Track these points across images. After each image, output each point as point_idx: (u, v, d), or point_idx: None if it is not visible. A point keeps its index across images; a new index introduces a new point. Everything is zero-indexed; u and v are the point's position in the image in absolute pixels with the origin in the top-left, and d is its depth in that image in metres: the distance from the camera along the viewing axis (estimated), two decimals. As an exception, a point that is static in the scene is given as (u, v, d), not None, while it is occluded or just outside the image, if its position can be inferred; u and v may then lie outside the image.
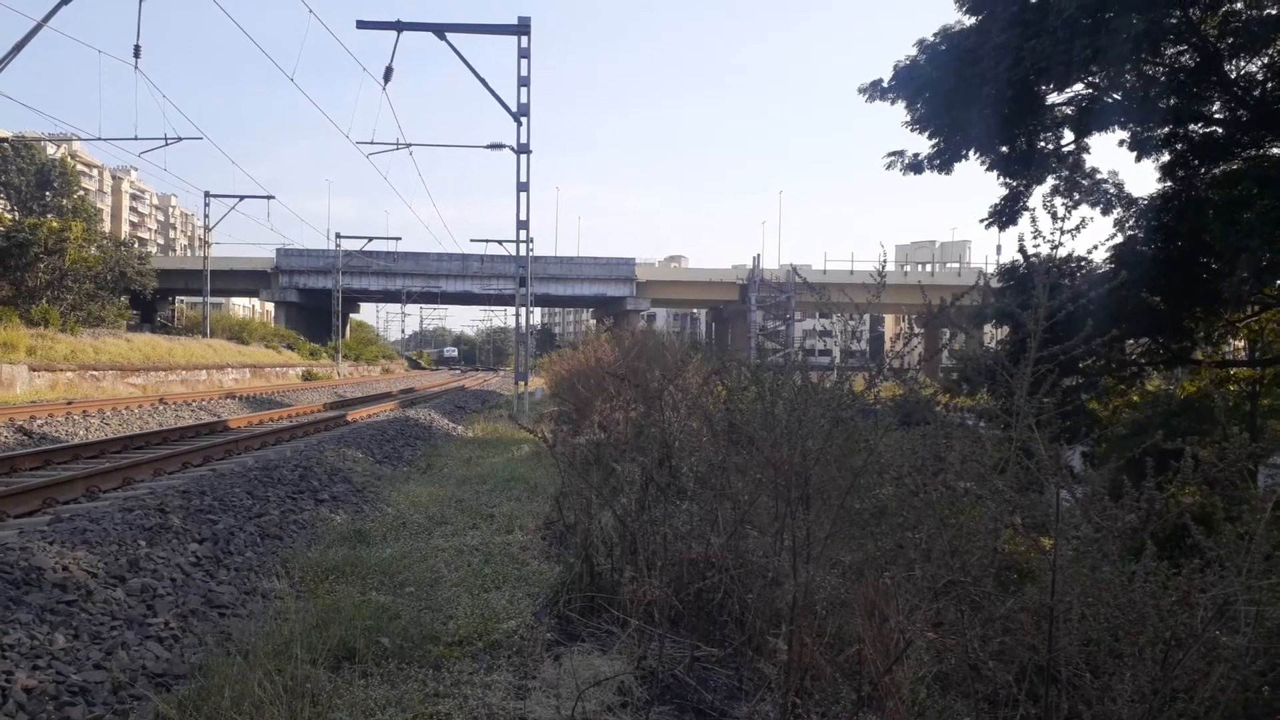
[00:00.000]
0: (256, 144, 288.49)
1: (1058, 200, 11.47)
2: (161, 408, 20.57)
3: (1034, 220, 11.05)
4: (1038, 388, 3.35)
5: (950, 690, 3.50)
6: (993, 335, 13.34)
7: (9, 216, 46.98)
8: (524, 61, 21.78)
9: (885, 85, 13.07)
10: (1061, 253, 10.84)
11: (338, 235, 55.68)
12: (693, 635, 4.72)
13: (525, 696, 4.26)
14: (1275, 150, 11.64)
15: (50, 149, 62.77)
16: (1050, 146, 13.00)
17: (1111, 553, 2.91)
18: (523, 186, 22.67)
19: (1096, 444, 10.64)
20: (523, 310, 25.46)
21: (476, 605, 5.75)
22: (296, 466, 11.06)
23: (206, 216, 49.51)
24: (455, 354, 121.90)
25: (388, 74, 21.65)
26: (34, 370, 23.26)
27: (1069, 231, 10.42)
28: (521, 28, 21.66)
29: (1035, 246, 10.77)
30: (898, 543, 3.71)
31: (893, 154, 13.64)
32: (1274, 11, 10.55)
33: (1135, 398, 13.75)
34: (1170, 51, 11.66)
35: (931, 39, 12.90)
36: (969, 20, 12.62)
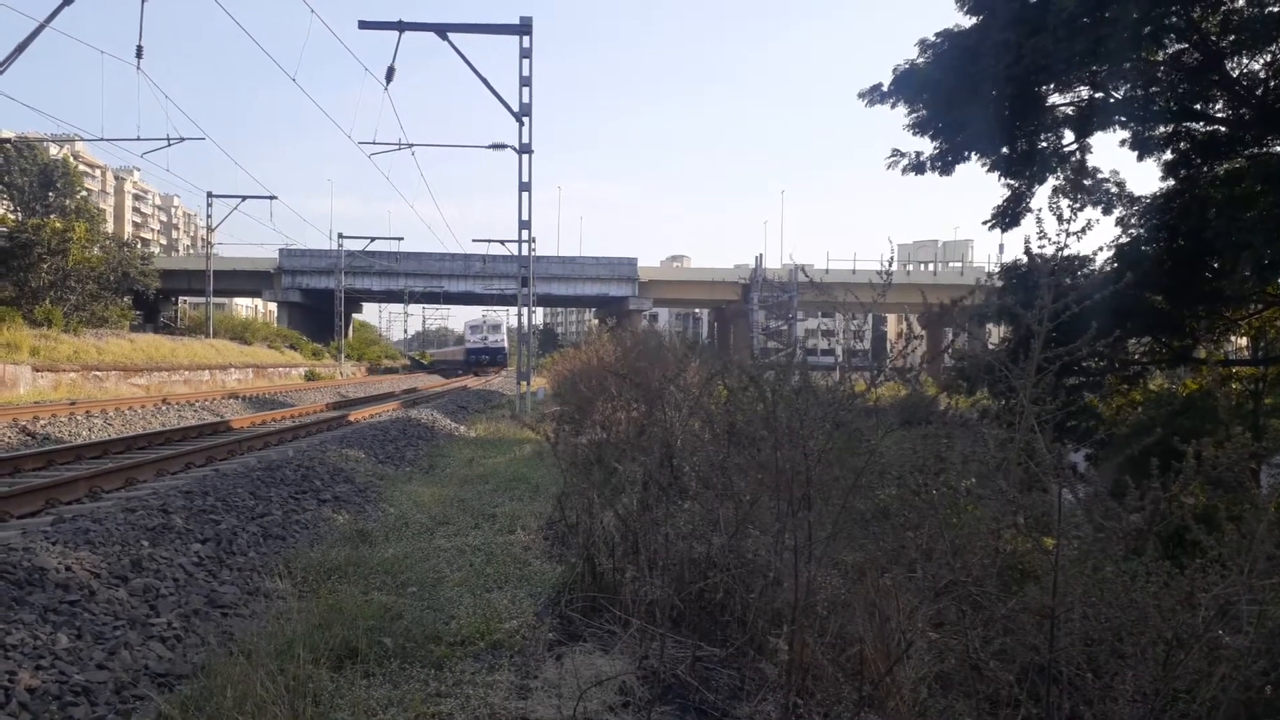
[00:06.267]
0: (259, 144, 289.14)
1: (1064, 202, 11.47)
2: (164, 408, 20.60)
3: (1039, 222, 11.06)
4: (1045, 390, 3.34)
5: (952, 690, 3.50)
6: (993, 332, 13.33)
7: (12, 217, 47.02)
8: (526, 61, 21.79)
9: (885, 89, 13.07)
10: (1055, 247, 10.83)
11: (340, 235, 55.72)
12: (694, 635, 4.71)
13: (527, 696, 4.26)
14: (1278, 148, 11.62)
15: (53, 149, 62.80)
16: (1051, 147, 13.00)
17: (1114, 553, 2.91)
18: (525, 186, 22.68)
19: (1100, 444, 10.64)
20: (525, 310, 25.47)
21: (479, 605, 5.75)
22: (299, 467, 11.07)
23: (209, 217, 49.53)
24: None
25: (390, 74, 21.66)
26: (37, 371, 23.30)
27: (1075, 234, 10.41)
28: (523, 28, 21.67)
29: (1040, 247, 10.77)
30: (899, 543, 3.71)
31: (894, 154, 13.64)
32: (1276, 9, 10.53)
33: (1138, 397, 13.73)
34: (1172, 50, 11.65)
35: (933, 39, 12.89)
36: (969, 21, 12.62)
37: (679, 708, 4.10)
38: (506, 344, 67.08)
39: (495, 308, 67.39)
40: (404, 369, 66.51)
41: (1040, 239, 9.84)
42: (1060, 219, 10.21)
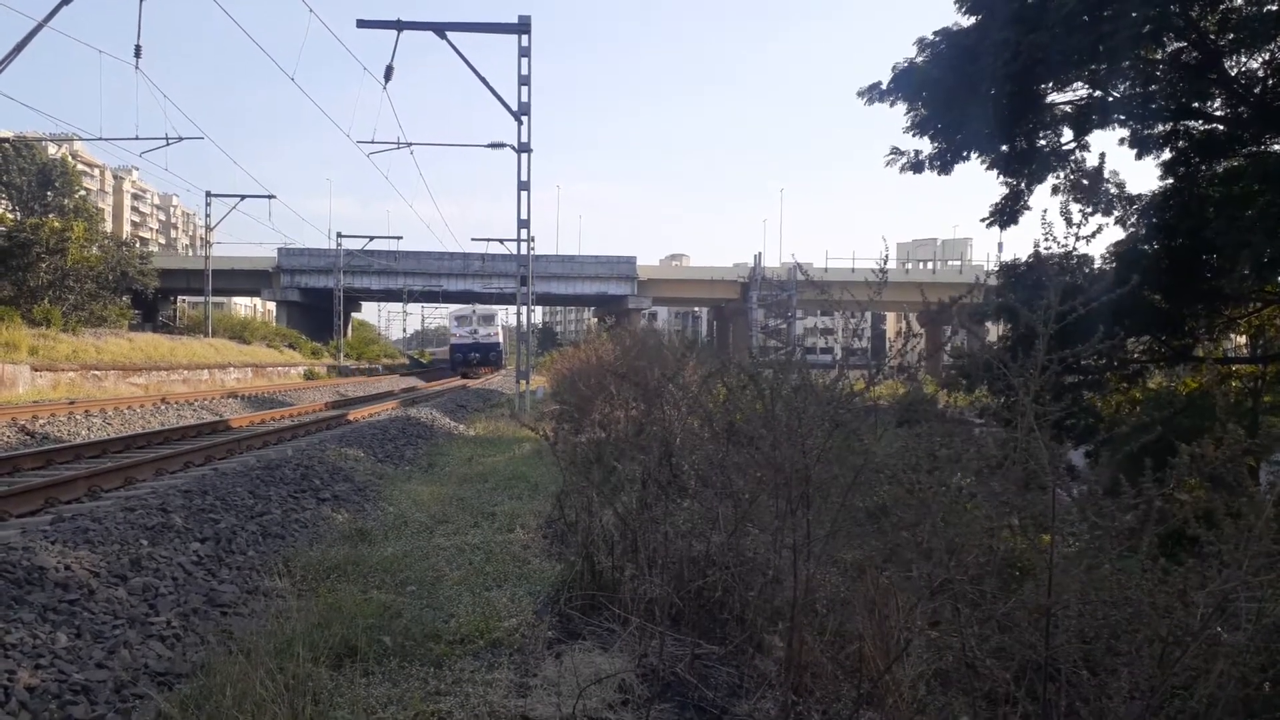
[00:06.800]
0: (257, 144, 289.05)
1: (1074, 207, 11.49)
2: (163, 407, 20.59)
3: (1049, 224, 11.10)
4: (1046, 389, 3.34)
5: (950, 688, 3.51)
6: (991, 330, 13.34)
7: (11, 216, 46.97)
8: (524, 60, 21.78)
9: (884, 88, 13.07)
10: (1062, 251, 10.86)
11: (339, 234, 55.67)
12: (694, 633, 4.72)
13: (526, 694, 4.26)
14: (1276, 147, 11.63)
15: (51, 149, 62.75)
16: (1050, 145, 13.01)
17: (1109, 551, 2.92)
18: (524, 185, 22.68)
19: (1100, 443, 10.64)
20: (524, 309, 25.49)
21: (478, 603, 5.76)
22: (298, 465, 11.07)
23: (208, 216, 49.51)
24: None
25: (388, 73, 21.67)
26: (36, 370, 23.28)
27: (1085, 238, 10.46)
28: (522, 26, 21.66)
29: (1047, 248, 10.80)
30: (896, 541, 3.71)
31: (893, 152, 13.64)
32: (1274, 8, 10.55)
33: (1137, 395, 13.75)
34: (1171, 48, 11.66)
35: (932, 38, 12.89)
36: (968, 20, 12.62)
37: (678, 705, 4.10)
38: (501, 339, 56.27)
39: (494, 307, 61.05)
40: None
41: (1047, 239, 9.80)
42: (1070, 222, 10.17)
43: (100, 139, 32.28)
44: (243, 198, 46.83)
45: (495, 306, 55.54)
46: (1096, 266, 11.84)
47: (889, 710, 3.66)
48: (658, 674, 4.32)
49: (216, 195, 47.78)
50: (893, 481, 3.74)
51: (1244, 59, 11.61)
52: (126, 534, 6.84)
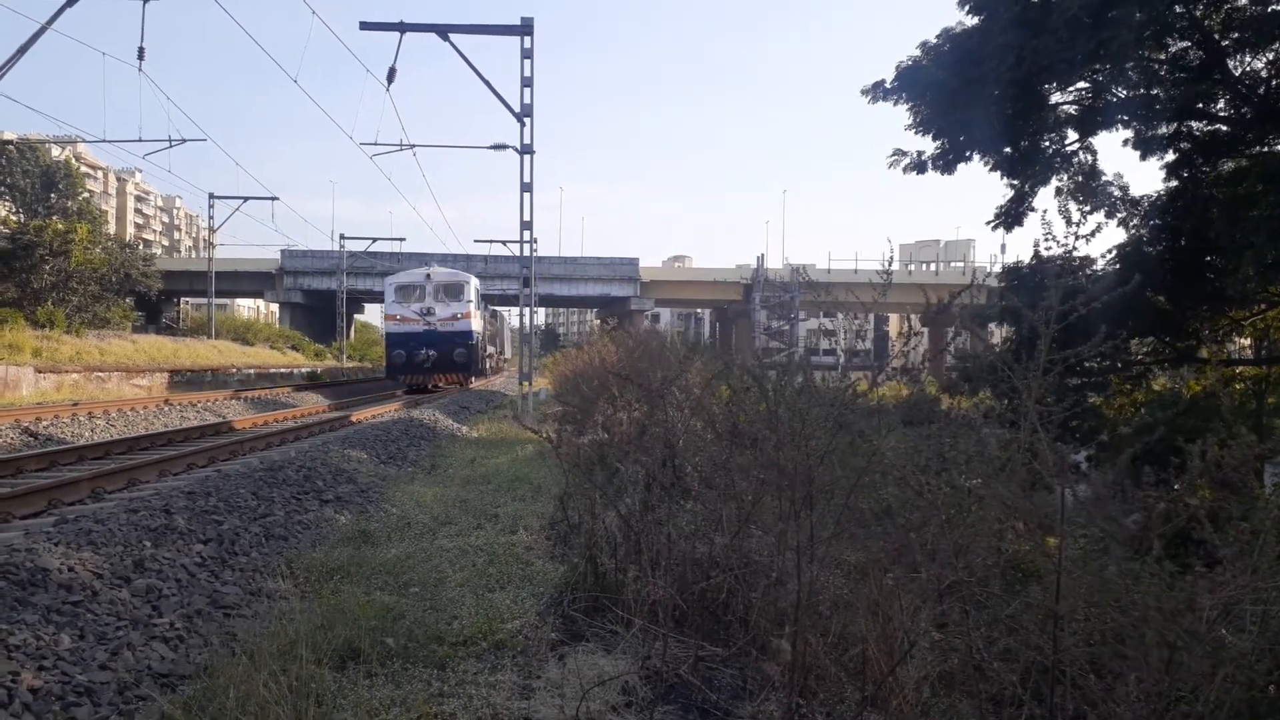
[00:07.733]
0: (260, 146, 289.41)
1: (1073, 206, 11.49)
2: (167, 409, 20.61)
3: (1049, 224, 11.12)
4: (1048, 390, 3.32)
5: (955, 690, 3.50)
6: (994, 333, 13.33)
7: (14, 219, 47.15)
8: (527, 62, 21.80)
9: (888, 86, 13.08)
10: (1062, 251, 10.86)
11: (342, 236, 55.79)
12: (697, 635, 4.71)
13: (530, 696, 4.26)
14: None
15: (55, 151, 62.96)
16: (1054, 147, 13.00)
17: (1116, 553, 2.91)
18: (526, 187, 22.68)
19: (1103, 446, 10.64)
20: (527, 310, 25.50)
21: (481, 605, 5.75)
22: (301, 467, 11.06)
23: (211, 218, 49.59)
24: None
25: (391, 75, 21.68)
26: (40, 372, 23.33)
27: (1084, 236, 10.46)
28: (524, 28, 21.68)
29: (1048, 249, 10.81)
30: (902, 543, 3.70)
31: (896, 153, 13.64)
32: (1279, 7, 10.53)
33: (1140, 397, 13.73)
34: (1174, 49, 11.65)
35: (934, 40, 12.90)
36: (971, 21, 12.62)
37: (681, 707, 4.09)
38: (477, 326, 33.49)
39: (463, 274, 36.29)
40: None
41: (1048, 240, 9.83)
42: (1069, 222, 10.24)
43: (104, 141, 32.40)
44: (246, 199, 46.96)
45: (462, 273, 35.39)
46: (1100, 268, 11.82)
47: (893, 712, 3.65)
48: (661, 676, 4.32)
49: (220, 197, 47.90)
50: (900, 483, 3.73)
51: (1248, 59, 11.60)
52: (130, 535, 6.84)
